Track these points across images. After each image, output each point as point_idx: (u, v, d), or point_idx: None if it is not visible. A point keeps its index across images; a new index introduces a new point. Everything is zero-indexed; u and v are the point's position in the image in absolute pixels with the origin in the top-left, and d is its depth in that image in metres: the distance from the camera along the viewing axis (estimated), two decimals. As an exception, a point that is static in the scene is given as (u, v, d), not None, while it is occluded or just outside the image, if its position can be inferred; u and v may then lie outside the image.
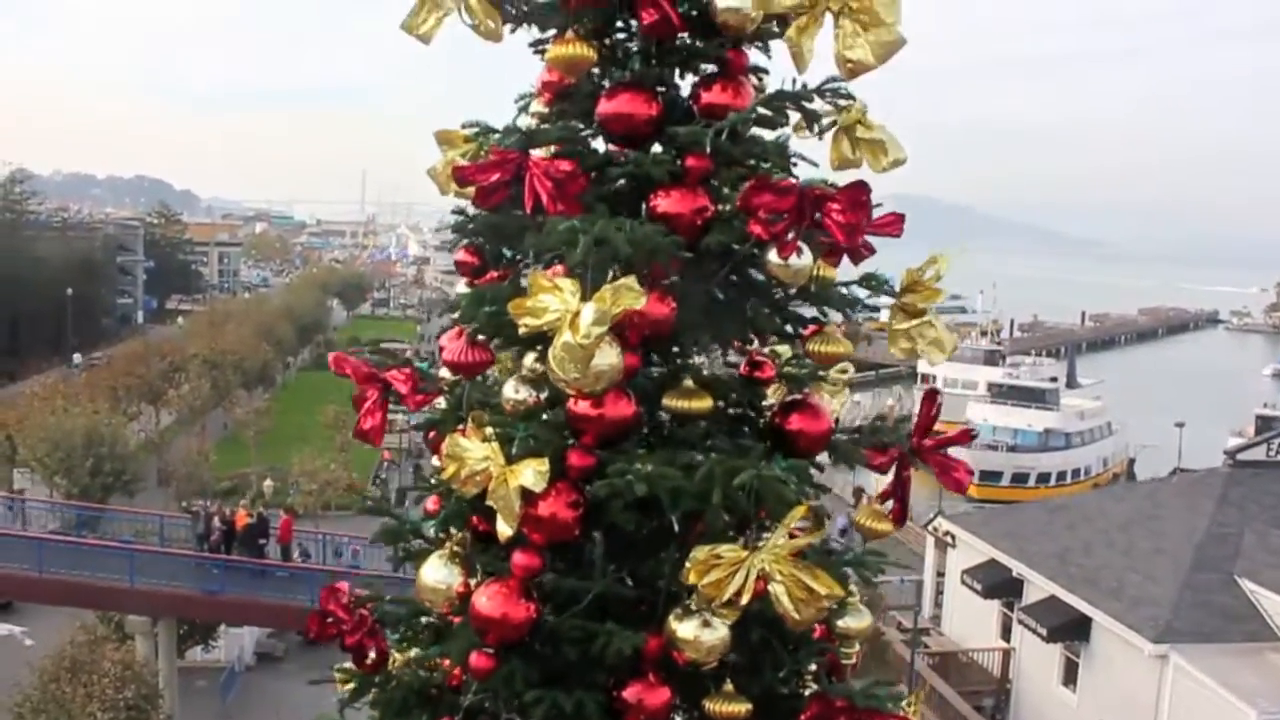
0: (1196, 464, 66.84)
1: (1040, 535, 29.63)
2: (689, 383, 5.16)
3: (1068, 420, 70.91)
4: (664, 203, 4.89)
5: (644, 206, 5.01)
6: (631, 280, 4.38)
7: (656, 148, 5.06)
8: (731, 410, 5.50)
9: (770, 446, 5.33)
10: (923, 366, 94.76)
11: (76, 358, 79.05)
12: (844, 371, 5.94)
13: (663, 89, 5.16)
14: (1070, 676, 27.39)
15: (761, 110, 4.97)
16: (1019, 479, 67.23)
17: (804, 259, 4.63)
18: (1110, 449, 74.28)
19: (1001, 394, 73.05)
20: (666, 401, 5.15)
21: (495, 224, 5.15)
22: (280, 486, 52.73)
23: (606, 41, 5.24)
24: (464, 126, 5.60)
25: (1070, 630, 26.47)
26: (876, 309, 5.72)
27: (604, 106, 5.03)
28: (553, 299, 4.39)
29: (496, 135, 5.37)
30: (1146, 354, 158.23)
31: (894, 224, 5.02)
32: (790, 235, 4.55)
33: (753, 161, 4.98)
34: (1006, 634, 30.58)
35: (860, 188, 4.58)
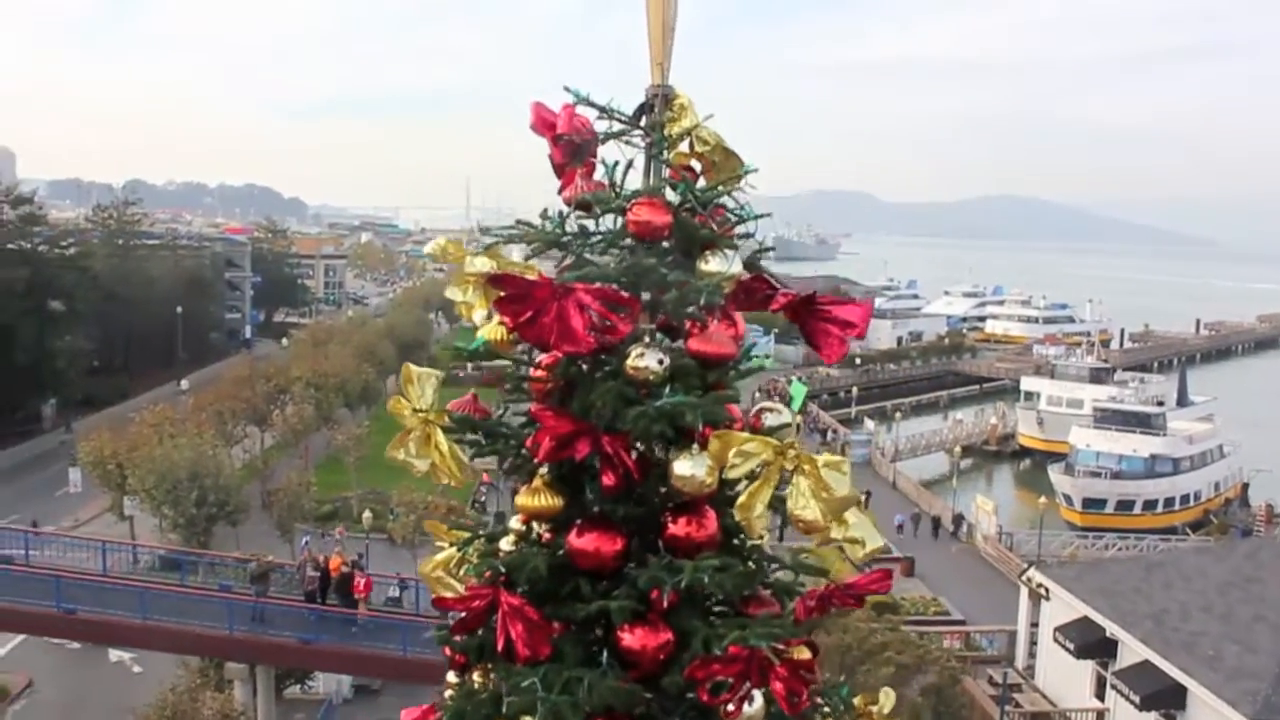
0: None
1: (1135, 594, 28.88)
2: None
3: (1176, 444, 68.43)
4: (628, 638, 5.00)
5: (611, 638, 5.09)
6: None
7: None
8: None
9: None
10: (1026, 384, 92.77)
11: (184, 383, 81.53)
12: None
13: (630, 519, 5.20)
14: (1166, 744, 26.71)
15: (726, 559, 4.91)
16: (1124, 506, 65.34)
17: (755, 706, 4.66)
18: (1222, 473, 71.76)
19: (1106, 418, 70.34)
20: None
21: (476, 644, 5.34)
22: (380, 511, 53.67)
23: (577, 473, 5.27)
24: (451, 525, 5.82)
25: (1165, 699, 25.81)
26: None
27: (573, 541, 5.14)
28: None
29: (479, 538, 5.61)
30: (1266, 365, 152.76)
31: (882, 581, 5.06)
32: (738, 700, 4.57)
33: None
34: (1100, 690, 29.88)
35: (808, 667, 4.58)
